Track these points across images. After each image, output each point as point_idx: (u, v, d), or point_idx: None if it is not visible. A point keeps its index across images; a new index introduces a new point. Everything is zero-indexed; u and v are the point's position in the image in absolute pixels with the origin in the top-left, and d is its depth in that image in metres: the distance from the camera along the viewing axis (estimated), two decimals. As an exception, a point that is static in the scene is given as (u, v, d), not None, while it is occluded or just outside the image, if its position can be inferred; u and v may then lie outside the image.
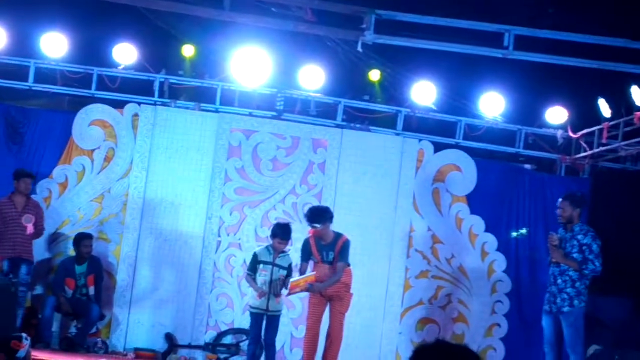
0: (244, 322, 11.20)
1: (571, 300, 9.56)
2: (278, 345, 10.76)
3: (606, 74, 11.62)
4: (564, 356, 10.15)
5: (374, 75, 12.62)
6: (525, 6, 11.90)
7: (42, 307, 11.39)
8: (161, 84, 12.45)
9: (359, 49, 11.88)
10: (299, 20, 11.90)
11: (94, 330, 11.59)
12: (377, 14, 11.53)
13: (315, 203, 11.69)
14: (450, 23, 11.56)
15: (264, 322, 10.06)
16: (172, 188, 11.98)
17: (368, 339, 11.94)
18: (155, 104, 12.27)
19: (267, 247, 10.23)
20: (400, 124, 12.55)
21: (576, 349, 9.63)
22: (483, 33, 11.66)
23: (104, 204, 11.95)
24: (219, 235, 12.00)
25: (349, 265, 10.23)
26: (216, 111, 12.35)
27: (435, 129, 12.61)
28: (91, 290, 11.54)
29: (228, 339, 11.82)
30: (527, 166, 12.75)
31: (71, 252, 11.71)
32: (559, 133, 12.58)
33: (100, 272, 11.63)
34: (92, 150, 12.04)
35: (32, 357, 9.04)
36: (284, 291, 10.09)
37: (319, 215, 10.14)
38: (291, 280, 9.85)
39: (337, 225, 10.56)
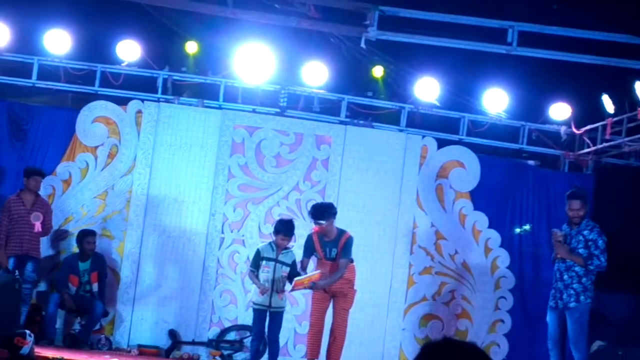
0: (248, 318, 11.21)
1: (577, 295, 9.55)
2: (282, 342, 10.77)
3: (610, 70, 11.61)
4: (568, 352, 10.15)
5: (378, 71, 12.62)
6: (529, 2, 11.88)
7: (46, 304, 11.40)
8: (164, 80, 12.46)
9: (363, 45, 11.88)
10: (302, 17, 11.89)
11: (97, 327, 11.59)
12: (380, 11, 11.53)
13: (319, 199, 11.69)
14: (454, 19, 11.56)
15: (267, 319, 10.07)
16: (176, 185, 11.98)
17: (372, 335, 11.94)
18: (158, 101, 12.28)
19: (270, 243, 10.23)
20: (403, 120, 12.54)
21: (579, 345, 9.62)
22: (487, 29, 11.66)
23: (108, 201, 11.96)
24: (223, 232, 12.00)
25: (352, 261, 10.24)
26: (219, 108, 12.35)
27: (439, 125, 12.60)
28: (95, 287, 11.55)
29: (232, 336, 11.82)
30: (531, 162, 12.73)
31: (75, 249, 11.72)
32: (563, 129, 12.57)
33: (103, 269, 11.64)
34: (96, 147, 12.05)
35: (36, 353, 9.03)
36: (288, 287, 10.10)
37: (323, 211, 10.13)
38: (296, 279, 9.85)
39: (340, 221, 10.55)
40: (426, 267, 12.12)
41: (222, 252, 11.99)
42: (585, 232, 9.62)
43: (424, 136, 12.36)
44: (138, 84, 12.44)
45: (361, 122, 12.46)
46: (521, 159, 12.80)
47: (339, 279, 10.06)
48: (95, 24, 12.23)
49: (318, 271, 9.99)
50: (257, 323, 10.13)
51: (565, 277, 9.62)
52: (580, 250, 9.59)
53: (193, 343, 11.75)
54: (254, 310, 10.20)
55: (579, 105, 12.47)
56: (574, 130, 12.48)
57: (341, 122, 12.42)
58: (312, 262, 10.26)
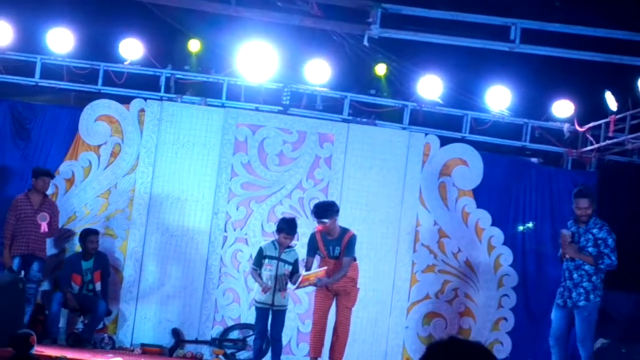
0: (251, 317, 11.22)
1: (587, 294, 9.54)
2: (285, 340, 10.78)
3: (613, 67, 11.59)
4: (570, 350, 10.14)
5: (380, 69, 12.59)
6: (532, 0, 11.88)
7: (49, 303, 11.41)
8: (167, 79, 12.45)
9: (365, 43, 11.87)
10: (305, 15, 11.87)
11: (100, 326, 11.60)
12: (383, 8, 11.51)
13: (322, 198, 11.69)
14: (457, 17, 11.54)
15: (270, 317, 10.08)
16: (179, 183, 11.99)
17: (375, 334, 11.94)
18: (161, 99, 12.27)
19: (273, 241, 10.24)
20: (406, 118, 12.52)
21: (585, 344, 9.62)
22: (489, 26, 11.64)
23: (111, 200, 11.97)
24: (226, 231, 12.01)
25: (355, 259, 10.24)
26: (222, 106, 12.35)
27: (442, 123, 12.58)
28: (98, 286, 11.56)
29: (235, 334, 11.83)
30: (534, 160, 12.72)
31: (77, 248, 11.73)
32: (566, 126, 12.54)
33: (106, 268, 11.65)
34: (99, 146, 12.06)
35: (40, 352, 9.06)
36: (291, 286, 10.11)
37: (326, 210, 10.13)
38: (302, 274, 9.86)
39: (343, 219, 10.57)
40: (429, 265, 12.12)
41: (225, 251, 11.99)
42: (594, 231, 9.59)
43: (426, 134, 12.34)
44: (141, 83, 12.43)
45: (364, 120, 12.45)
46: (524, 157, 12.79)
47: (343, 277, 10.07)
48: (98, 23, 12.23)
49: (324, 267, 9.99)
50: (260, 321, 10.15)
51: (575, 275, 9.60)
52: (590, 249, 9.57)
53: (196, 342, 11.76)
54: (257, 308, 10.22)
55: (582, 102, 12.45)
56: (577, 127, 12.46)
57: (344, 120, 12.42)
58: (315, 261, 10.27)
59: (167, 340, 11.74)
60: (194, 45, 12.48)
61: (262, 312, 10.14)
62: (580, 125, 12.44)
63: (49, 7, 12.16)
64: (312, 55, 12.37)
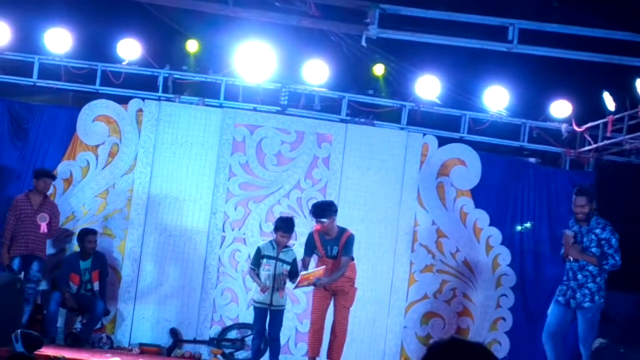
0: (249, 317, 11.21)
1: (592, 295, 9.53)
2: (283, 340, 10.77)
3: (611, 67, 11.61)
4: (569, 349, 10.15)
5: (378, 69, 12.59)
6: (530, 0, 11.88)
7: (47, 302, 11.40)
8: (165, 79, 12.45)
9: (363, 43, 11.88)
10: (303, 15, 11.88)
11: (99, 325, 11.59)
12: (381, 9, 11.53)
13: (320, 198, 11.69)
14: (455, 17, 11.57)
15: (268, 317, 10.08)
16: (177, 183, 11.98)
17: (373, 333, 11.94)
18: (159, 100, 12.27)
19: (271, 241, 10.25)
20: (404, 118, 12.53)
21: (587, 344, 9.62)
22: (487, 27, 11.66)
23: (109, 200, 11.96)
24: (224, 231, 12.00)
25: (353, 259, 10.25)
26: (220, 106, 12.34)
27: (440, 123, 12.59)
28: (96, 285, 11.56)
29: (233, 334, 11.82)
30: (532, 160, 12.72)
31: (76, 247, 11.73)
32: (564, 127, 12.55)
33: (104, 267, 11.65)
34: (97, 146, 12.05)
35: (38, 352, 9.08)
36: (289, 285, 10.12)
37: (324, 209, 10.15)
38: (302, 273, 9.87)
39: (341, 219, 10.57)
40: (427, 265, 12.12)
41: (223, 251, 11.99)
42: (597, 231, 9.57)
43: (424, 134, 12.35)
44: (139, 83, 12.42)
45: (362, 120, 12.45)
46: (522, 157, 12.79)
47: (341, 276, 10.08)
48: (95, 23, 12.23)
49: (323, 267, 10.00)
50: (258, 321, 10.15)
51: (579, 276, 9.58)
52: (593, 249, 9.55)
53: (194, 342, 11.75)
54: (255, 308, 10.22)
55: (580, 102, 12.46)
56: (575, 127, 12.47)
57: (342, 120, 12.42)
58: (313, 261, 10.28)
59: (166, 340, 11.73)
60: (191, 46, 12.47)
61: (260, 311, 10.14)
62: (578, 125, 12.45)
63: (47, 7, 12.16)
64: (310, 56, 12.37)
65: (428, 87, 12.41)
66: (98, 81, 12.31)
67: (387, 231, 12.04)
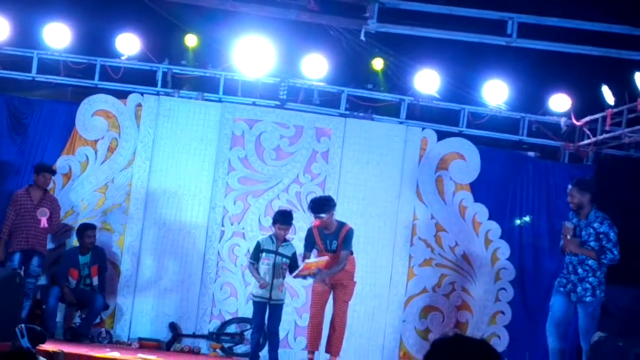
0: (248, 311, 11.21)
1: (594, 290, 9.51)
2: (282, 334, 10.80)
3: (610, 61, 11.60)
4: (570, 345, 10.15)
5: (377, 64, 12.59)
6: (529, -7, 11.89)
7: (46, 297, 11.40)
8: (164, 74, 12.44)
9: (362, 37, 11.87)
10: (302, 9, 11.88)
11: (98, 320, 11.61)
12: (380, 3, 11.53)
13: (319, 192, 11.70)
14: (454, 11, 11.57)
15: (267, 311, 10.09)
16: (176, 178, 11.98)
17: (372, 327, 11.94)
18: (158, 94, 12.27)
19: (270, 236, 10.28)
20: (403, 112, 12.52)
21: (588, 338, 9.62)
22: (486, 21, 11.66)
23: (108, 194, 11.96)
24: (223, 225, 12.01)
25: (352, 253, 10.26)
26: (219, 101, 12.34)
27: (439, 117, 12.58)
28: (95, 280, 11.57)
29: (232, 328, 11.82)
30: (531, 154, 12.71)
31: (75, 242, 11.74)
32: (563, 120, 12.55)
33: (104, 262, 11.66)
34: (96, 141, 12.05)
35: (38, 347, 9.10)
36: (288, 277, 10.15)
37: (323, 204, 10.17)
38: (305, 261, 9.89)
39: (340, 214, 10.58)
40: (426, 259, 12.12)
41: (223, 245, 11.99)
42: (595, 225, 9.54)
43: (423, 128, 12.34)
44: (138, 78, 12.42)
45: (361, 114, 12.45)
46: (521, 151, 12.78)
47: (341, 270, 10.10)
48: (94, 18, 12.23)
49: (325, 257, 10.01)
50: (257, 315, 10.18)
51: (580, 270, 9.56)
52: (592, 244, 9.53)
53: (194, 336, 11.76)
54: (254, 302, 10.24)
55: (579, 96, 12.45)
56: (574, 121, 12.47)
57: (341, 115, 12.41)
58: (313, 256, 10.28)
59: (165, 335, 11.74)
60: (190, 40, 12.46)
61: (259, 306, 10.16)
62: (577, 119, 12.44)
63: (46, 2, 12.17)
64: (309, 50, 12.36)
65: (427, 81, 12.41)
66: (97, 76, 12.31)
67: (386, 225, 12.04)
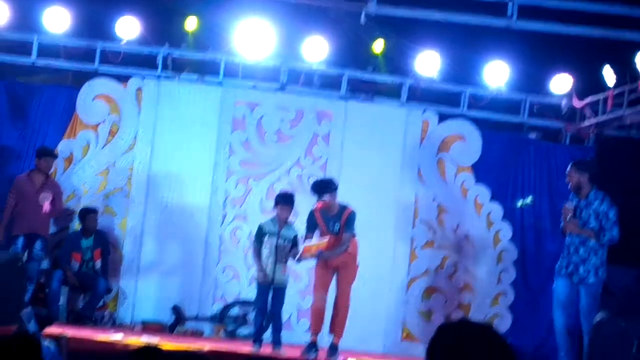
0: (251, 294, 11.24)
1: (596, 270, 9.53)
2: (285, 317, 10.81)
3: (611, 41, 11.57)
4: (571, 326, 10.17)
5: (378, 46, 12.55)
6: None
7: (49, 281, 11.43)
8: (164, 57, 12.39)
9: (363, 20, 11.84)
10: (302, -8, 11.85)
11: (101, 303, 11.64)
12: (380, -15, 11.49)
13: (321, 175, 11.70)
14: (454, -7, 11.54)
15: (270, 294, 10.11)
16: (177, 161, 11.98)
17: (374, 309, 11.95)
18: (158, 78, 12.25)
19: (271, 219, 10.28)
20: (404, 94, 12.48)
21: (590, 318, 9.65)
22: (486, 3, 11.62)
23: (109, 178, 11.97)
24: (225, 208, 12.02)
25: (354, 236, 10.27)
26: (220, 84, 12.32)
27: (440, 99, 12.55)
28: (97, 264, 11.60)
29: (235, 311, 11.84)
30: (532, 135, 12.71)
31: (77, 226, 11.75)
32: (564, 101, 12.53)
33: (106, 246, 11.68)
34: (97, 125, 12.05)
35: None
36: (291, 262, 10.15)
37: (325, 187, 10.21)
38: (305, 244, 9.90)
39: (342, 196, 10.58)
40: (428, 241, 12.13)
41: (224, 228, 12.01)
42: (595, 203, 9.57)
43: (425, 110, 12.33)
44: (138, 61, 12.38)
45: (362, 96, 12.43)
46: (523, 132, 12.77)
47: (343, 252, 10.11)
48: (94, 1, 12.19)
49: (326, 238, 10.02)
50: (260, 298, 10.20)
51: (582, 251, 9.57)
52: (592, 223, 9.55)
53: (197, 319, 11.79)
54: (257, 285, 10.25)
55: (580, 77, 12.42)
56: (575, 102, 12.44)
57: (342, 97, 12.39)
58: (315, 238, 10.29)
59: (168, 317, 11.76)
60: (190, 23, 12.40)
61: (262, 288, 10.18)
62: (579, 100, 12.42)
63: (45, -14, 12.12)
64: (310, 33, 12.32)
65: (428, 63, 12.36)
66: (97, 60, 12.26)
67: (387, 207, 12.05)
